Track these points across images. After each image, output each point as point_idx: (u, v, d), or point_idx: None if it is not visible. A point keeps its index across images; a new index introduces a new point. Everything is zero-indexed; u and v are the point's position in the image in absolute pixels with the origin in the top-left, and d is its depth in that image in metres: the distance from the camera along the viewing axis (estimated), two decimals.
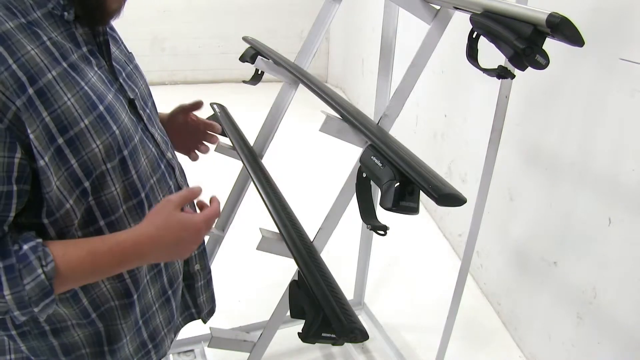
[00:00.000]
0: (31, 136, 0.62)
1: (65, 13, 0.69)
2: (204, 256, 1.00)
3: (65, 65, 0.67)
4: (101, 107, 0.70)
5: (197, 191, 0.80)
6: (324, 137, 1.12)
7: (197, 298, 1.00)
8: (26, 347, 0.77)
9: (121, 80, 0.79)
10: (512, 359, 2.33)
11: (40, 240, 0.66)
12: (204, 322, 1.06)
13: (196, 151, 1.11)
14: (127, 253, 0.71)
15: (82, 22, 0.72)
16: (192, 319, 1.03)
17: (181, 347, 1.76)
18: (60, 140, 0.65)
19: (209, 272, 1.01)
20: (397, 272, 2.84)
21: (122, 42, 0.88)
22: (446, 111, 3.21)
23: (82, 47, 0.72)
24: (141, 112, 0.83)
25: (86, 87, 0.69)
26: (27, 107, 0.61)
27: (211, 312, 1.06)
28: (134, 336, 0.84)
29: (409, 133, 3.64)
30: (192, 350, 1.71)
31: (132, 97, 0.81)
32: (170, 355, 1.67)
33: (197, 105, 1.07)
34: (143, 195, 0.79)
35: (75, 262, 0.67)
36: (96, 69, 0.74)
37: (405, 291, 2.69)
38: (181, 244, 0.74)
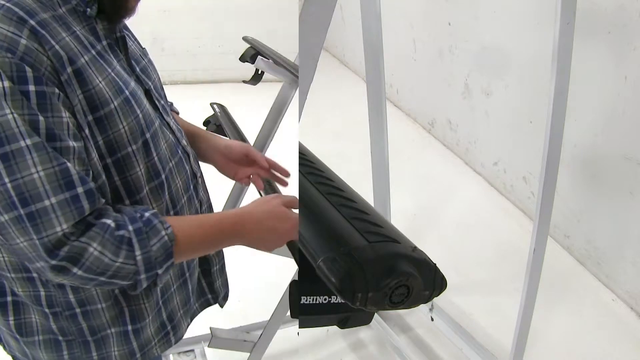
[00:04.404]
0: (75, 108, 0.72)
1: (88, 9, 0.77)
2: None
3: (93, 52, 0.76)
4: (127, 92, 0.79)
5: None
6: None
7: (213, 283, 1.07)
8: (56, 327, 0.84)
9: (137, 73, 0.88)
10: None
11: (155, 210, 0.78)
12: (221, 306, 1.11)
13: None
14: (230, 229, 0.83)
15: (103, 17, 0.80)
16: (209, 304, 1.10)
17: (181, 347, 1.76)
18: (90, 118, 0.75)
19: (223, 256, 1.09)
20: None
21: (136, 39, 0.96)
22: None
23: (102, 40, 0.80)
24: (156, 102, 0.91)
25: (112, 74, 0.78)
26: (69, 83, 0.71)
27: (226, 296, 1.13)
28: (155, 316, 0.91)
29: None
30: (192, 351, 1.73)
31: (147, 87, 0.89)
32: (171, 355, 1.69)
33: (281, 179, 1.09)
34: (163, 176, 0.87)
35: (187, 231, 0.79)
36: (116, 60, 0.82)
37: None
38: (277, 233, 0.85)
